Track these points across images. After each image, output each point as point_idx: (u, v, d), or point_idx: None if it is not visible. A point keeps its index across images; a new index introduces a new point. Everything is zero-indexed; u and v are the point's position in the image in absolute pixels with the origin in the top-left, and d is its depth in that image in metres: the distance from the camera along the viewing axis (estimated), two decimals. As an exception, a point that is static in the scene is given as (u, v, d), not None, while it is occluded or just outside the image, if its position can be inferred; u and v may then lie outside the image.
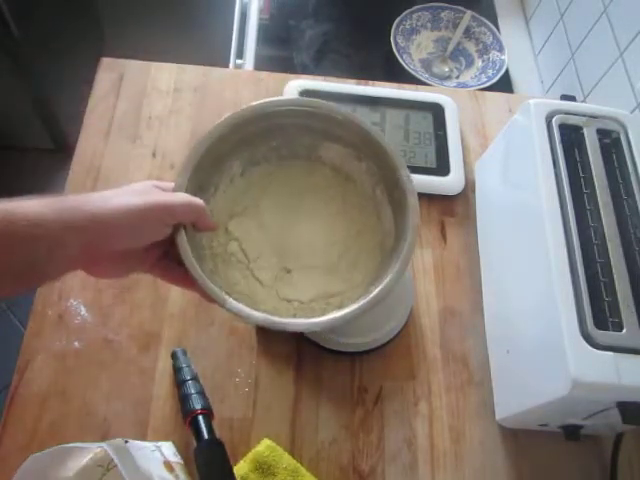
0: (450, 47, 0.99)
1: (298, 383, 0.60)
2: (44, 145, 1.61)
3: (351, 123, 0.55)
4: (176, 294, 0.63)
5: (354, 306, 0.47)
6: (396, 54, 0.95)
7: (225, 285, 0.51)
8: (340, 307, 0.49)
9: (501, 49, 0.97)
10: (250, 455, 0.54)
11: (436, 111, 0.78)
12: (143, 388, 0.58)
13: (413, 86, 0.83)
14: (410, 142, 0.75)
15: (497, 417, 0.60)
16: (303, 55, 0.97)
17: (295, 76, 0.81)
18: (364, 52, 0.99)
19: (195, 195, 0.47)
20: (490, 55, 0.98)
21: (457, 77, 0.98)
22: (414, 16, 1.00)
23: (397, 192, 0.53)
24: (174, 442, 0.54)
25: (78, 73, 0.93)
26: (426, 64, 0.99)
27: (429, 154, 0.74)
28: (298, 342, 0.62)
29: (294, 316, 0.52)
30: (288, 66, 0.94)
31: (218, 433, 0.52)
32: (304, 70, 0.94)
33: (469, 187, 0.74)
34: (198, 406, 0.53)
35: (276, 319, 0.46)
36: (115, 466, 0.46)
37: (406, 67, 0.93)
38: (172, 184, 0.48)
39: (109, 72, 0.78)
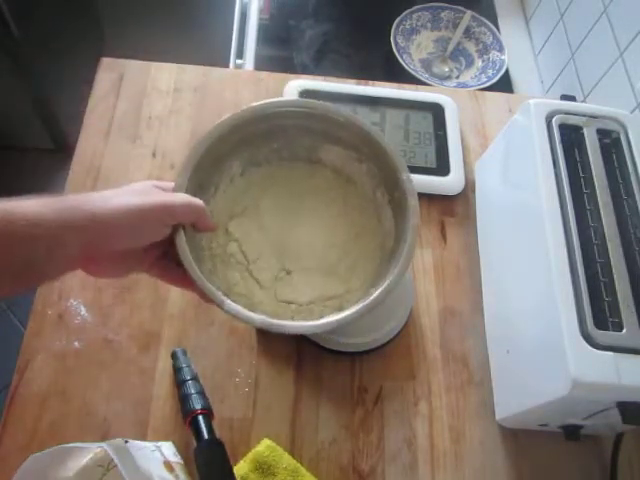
0: (450, 47, 0.99)
1: (298, 383, 0.60)
2: (44, 145, 1.61)
3: (352, 124, 0.55)
4: (176, 295, 0.63)
5: (353, 309, 0.47)
6: (396, 54, 0.95)
7: (224, 286, 0.51)
8: (339, 309, 0.49)
9: (501, 49, 0.97)
10: (250, 455, 0.54)
11: (436, 111, 0.78)
12: (143, 388, 0.58)
13: (413, 86, 0.83)
14: (410, 142, 0.75)
15: (497, 417, 0.60)
16: (303, 55, 0.97)
17: (295, 76, 0.81)
18: (364, 52, 0.99)
19: (195, 195, 0.47)
20: (490, 55, 0.98)
21: (457, 77, 0.98)
22: (414, 16, 1.00)
23: (397, 193, 0.53)
24: (174, 442, 0.54)
25: (78, 73, 0.93)
26: (426, 64, 0.99)
27: (429, 154, 0.74)
28: (298, 342, 0.62)
29: (292, 318, 0.52)
30: (288, 66, 0.94)
31: (218, 433, 0.52)
32: (304, 70, 0.94)
33: (469, 187, 0.74)
34: (198, 406, 0.53)
35: (274, 321, 0.46)
36: (115, 466, 0.46)
37: (406, 67, 0.93)
38: (172, 184, 0.48)
39: (109, 72, 0.78)
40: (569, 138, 0.57)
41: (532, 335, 0.54)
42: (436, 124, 0.77)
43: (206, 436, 0.51)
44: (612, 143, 0.58)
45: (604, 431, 0.57)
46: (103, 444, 0.44)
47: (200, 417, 0.52)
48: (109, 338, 0.60)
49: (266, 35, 0.98)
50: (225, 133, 0.52)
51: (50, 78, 1.40)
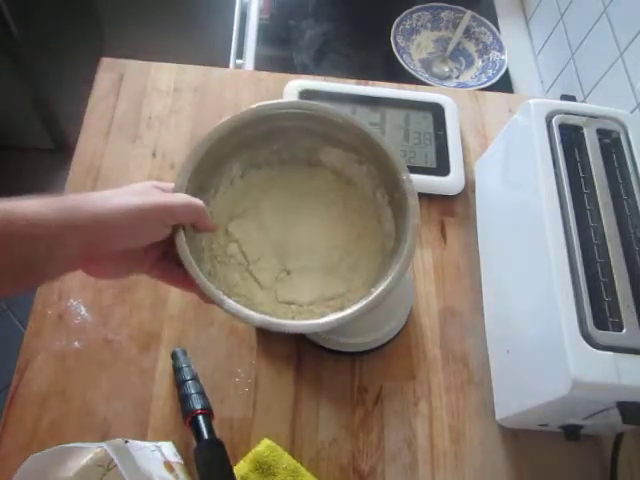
0: (450, 47, 0.99)
1: (298, 383, 0.60)
2: (44, 145, 1.61)
3: (351, 126, 0.55)
4: (176, 295, 0.63)
5: (353, 308, 0.47)
6: (396, 54, 0.95)
7: (224, 287, 0.51)
8: (340, 310, 0.49)
9: (501, 49, 0.97)
10: (250, 455, 0.54)
11: (436, 111, 0.78)
12: (143, 388, 0.58)
13: (413, 86, 0.83)
14: (410, 142, 0.75)
15: (497, 417, 0.60)
16: (303, 55, 0.97)
17: (295, 76, 0.81)
18: (364, 52, 0.99)
19: (195, 196, 0.47)
20: (490, 55, 0.98)
21: (457, 77, 0.98)
22: (414, 16, 1.00)
23: (397, 194, 0.53)
24: (174, 442, 0.54)
25: (78, 73, 0.93)
26: (426, 64, 0.99)
27: (429, 154, 0.74)
28: (298, 342, 0.62)
29: (293, 319, 0.52)
30: (288, 66, 0.94)
31: (218, 433, 0.52)
32: (304, 70, 0.94)
33: (469, 187, 0.74)
34: (198, 406, 0.53)
35: (274, 320, 0.46)
36: (115, 466, 0.46)
37: (406, 67, 0.93)
38: (172, 185, 0.48)
39: (109, 72, 0.78)
40: (569, 138, 0.57)
41: (532, 335, 0.54)
42: (436, 124, 0.77)
43: (206, 436, 0.51)
44: (612, 143, 0.58)
45: (604, 431, 0.57)
46: (103, 444, 0.44)
47: (200, 417, 0.52)
48: (109, 338, 0.60)
49: (266, 35, 0.98)
50: (225, 135, 0.52)
51: (50, 78, 1.40)
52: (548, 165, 0.55)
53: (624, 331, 0.47)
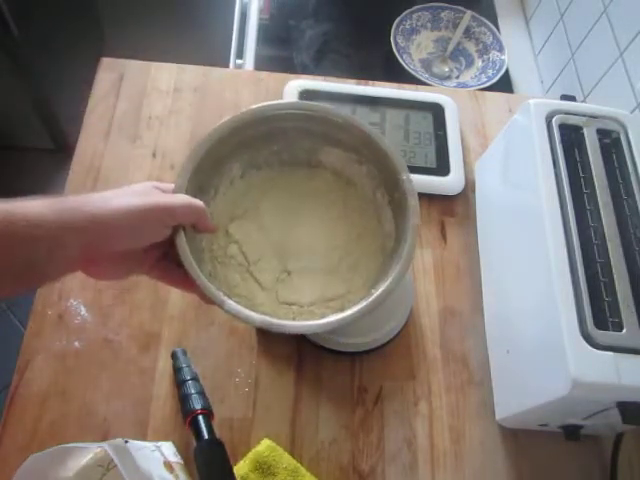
0: (450, 47, 0.99)
1: (298, 383, 0.60)
2: (44, 145, 1.61)
3: (351, 126, 0.55)
4: (176, 296, 0.63)
5: (353, 309, 0.47)
6: (396, 54, 0.95)
7: (224, 288, 0.51)
8: (341, 310, 0.49)
9: (501, 49, 0.97)
10: (250, 455, 0.54)
11: (436, 111, 0.78)
12: (143, 388, 0.58)
13: (413, 86, 0.83)
14: (410, 142, 0.75)
15: (497, 417, 0.60)
16: (303, 55, 0.97)
17: (295, 76, 0.81)
18: (364, 52, 0.99)
19: (195, 197, 0.47)
20: (490, 55, 0.98)
21: (457, 77, 0.98)
22: (414, 16, 1.00)
23: (397, 194, 0.53)
24: (174, 442, 0.54)
25: (78, 73, 0.93)
26: (426, 64, 0.99)
27: (429, 154, 0.74)
28: (298, 342, 0.62)
29: (293, 320, 0.52)
30: (288, 66, 0.94)
31: (218, 433, 0.52)
32: (304, 70, 0.94)
33: (469, 187, 0.74)
34: (198, 406, 0.53)
35: (275, 321, 0.46)
36: (115, 466, 0.46)
37: (406, 67, 0.93)
38: (172, 185, 0.48)
39: (109, 72, 0.78)
40: (569, 138, 0.57)
41: (532, 335, 0.54)
42: (436, 124, 0.77)
43: (206, 436, 0.51)
44: (612, 143, 0.58)
45: (604, 431, 0.57)
46: (103, 444, 0.44)
47: (200, 417, 0.52)
48: (109, 338, 0.60)
49: (266, 35, 0.98)
50: (225, 135, 0.52)
51: (50, 78, 1.40)
52: (548, 165, 0.55)
53: (624, 331, 0.47)
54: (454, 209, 0.73)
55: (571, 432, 0.54)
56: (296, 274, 0.56)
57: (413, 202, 0.51)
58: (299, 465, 0.54)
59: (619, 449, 0.57)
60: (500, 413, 0.59)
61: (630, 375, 0.45)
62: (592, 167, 0.55)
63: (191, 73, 0.80)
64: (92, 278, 0.43)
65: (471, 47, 1.01)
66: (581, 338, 0.46)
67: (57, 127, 1.56)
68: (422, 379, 0.62)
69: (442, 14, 1.01)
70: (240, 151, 0.56)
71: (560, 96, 0.64)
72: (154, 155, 0.72)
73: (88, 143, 0.72)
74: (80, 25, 1.42)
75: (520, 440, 0.60)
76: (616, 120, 0.59)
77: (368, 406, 0.60)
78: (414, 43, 1.00)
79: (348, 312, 0.47)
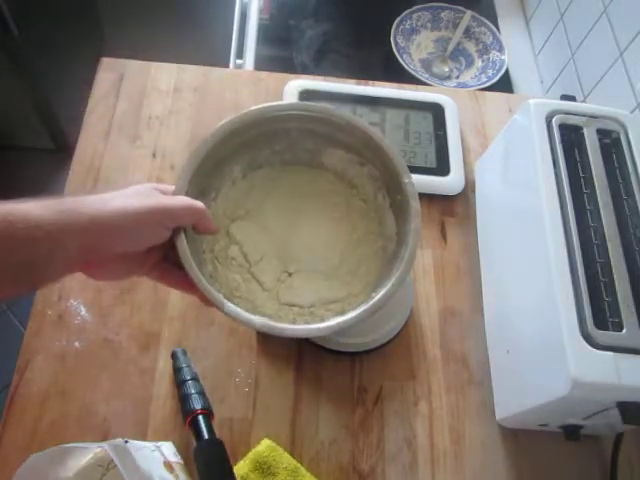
0: (450, 47, 0.99)
1: (298, 383, 0.60)
2: (44, 145, 1.61)
3: (353, 127, 0.55)
4: (176, 297, 0.63)
5: (353, 313, 0.47)
6: (396, 54, 0.95)
7: (225, 289, 0.51)
8: (341, 313, 0.49)
9: (501, 49, 0.97)
10: (250, 455, 0.54)
11: (436, 111, 0.78)
12: (143, 388, 0.58)
13: (413, 86, 0.83)
14: (410, 142, 0.75)
15: (497, 417, 0.60)
16: (303, 55, 0.97)
17: (295, 76, 0.81)
18: (364, 52, 0.99)
19: (196, 199, 0.47)
20: (490, 55, 0.98)
21: (457, 77, 0.98)
22: (414, 16, 1.00)
23: (399, 196, 0.53)
24: (174, 442, 0.54)
25: (78, 73, 0.93)
26: (426, 64, 0.99)
27: (429, 154, 0.74)
28: (298, 342, 0.62)
29: (293, 321, 0.52)
30: (288, 66, 0.94)
31: (218, 433, 0.52)
32: (304, 70, 0.94)
33: (469, 187, 0.74)
34: (198, 406, 0.53)
35: (274, 324, 0.46)
36: (115, 466, 0.46)
37: (406, 67, 0.93)
38: (172, 187, 0.48)
39: (109, 72, 0.77)
40: (569, 138, 0.57)
41: (532, 335, 0.54)
42: (436, 124, 0.77)
43: (206, 436, 0.51)
44: (612, 143, 0.58)
45: (604, 431, 0.57)
46: (103, 444, 0.44)
47: (200, 417, 0.52)
48: (109, 338, 0.60)
49: (266, 35, 0.98)
50: (225, 136, 0.52)
51: (50, 78, 1.40)
52: (548, 165, 0.55)
53: (624, 331, 0.47)
54: (454, 209, 0.73)
55: (571, 432, 0.54)
56: (297, 275, 0.56)
57: (415, 205, 0.51)
58: (299, 465, 0.54)
59: (619, 449, 0.57)
60: (500, 413, 0.59)
61: (630, 375, 0.45)
62: (592, 167, 0.55)
63: (191, 73, 0.80)
64: (92, 279, 0.43)
65: (471, 47, 1.01)
66: (581, 338, 0.46)
67: (57, 127, 1.56)
68: (422, 379, 0.62)
69: (442, 14, 1.01)
70: (241, 152, 0.55)
71: (560, 96, 0.64)
72: (154, 155, 0.72)
73: (88, 143, 0.72)
74: (80, 25, 1.42)
75: (520, 440, 0.60)
76: (616, 120, 0.59)
77: (368, 406, 0.60)
78: (414, 43, 1.00)
79: (348, 316, 0.47)
